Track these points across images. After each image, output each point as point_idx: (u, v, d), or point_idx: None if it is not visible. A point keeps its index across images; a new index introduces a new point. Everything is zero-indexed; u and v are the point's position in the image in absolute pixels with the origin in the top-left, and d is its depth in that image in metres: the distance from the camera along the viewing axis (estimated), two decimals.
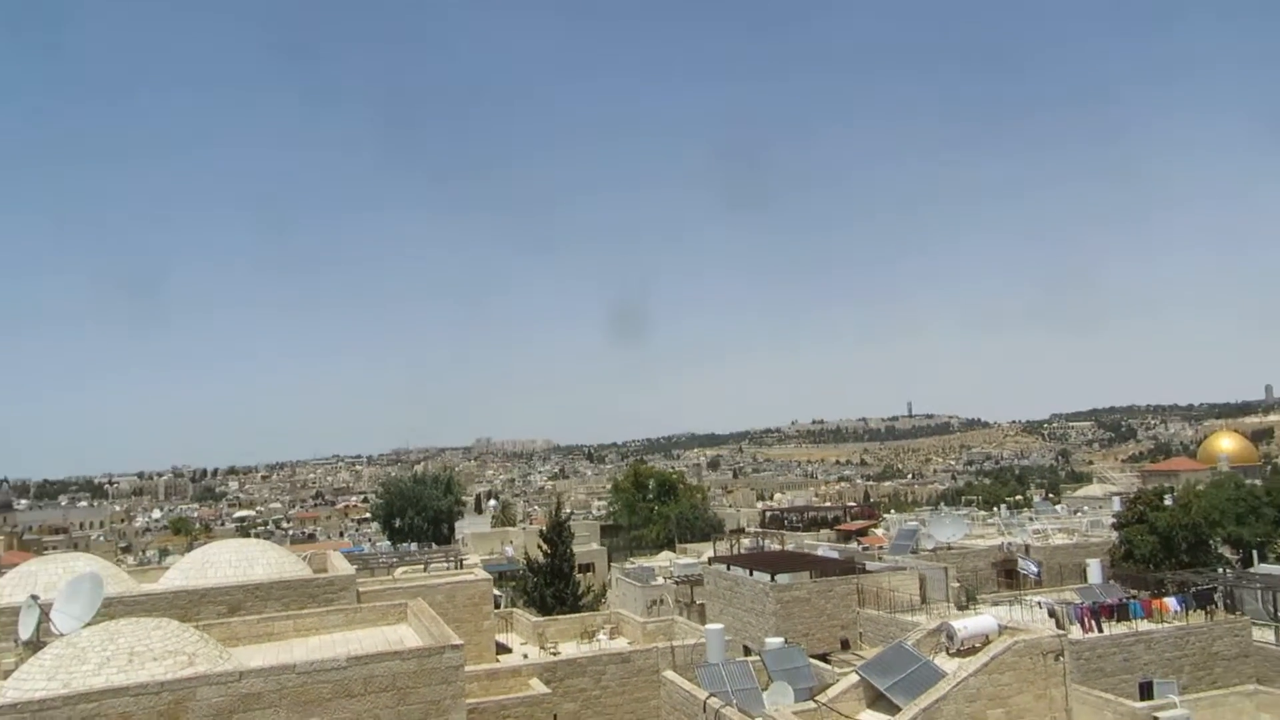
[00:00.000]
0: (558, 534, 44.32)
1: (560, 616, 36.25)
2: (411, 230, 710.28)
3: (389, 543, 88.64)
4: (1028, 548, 54.14)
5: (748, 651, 36.20)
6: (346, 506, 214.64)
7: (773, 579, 39.96)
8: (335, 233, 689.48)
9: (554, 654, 30.66)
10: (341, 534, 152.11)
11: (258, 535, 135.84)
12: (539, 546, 45.13)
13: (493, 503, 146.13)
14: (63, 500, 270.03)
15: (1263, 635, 35.08)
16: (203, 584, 26.69)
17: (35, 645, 19.33)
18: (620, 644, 32.65)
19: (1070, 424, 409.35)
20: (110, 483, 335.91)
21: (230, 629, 20.13)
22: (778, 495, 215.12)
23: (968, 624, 22.29)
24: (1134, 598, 36.06)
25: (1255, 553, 46.31)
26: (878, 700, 21.68)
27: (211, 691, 15.37)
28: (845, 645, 36.51)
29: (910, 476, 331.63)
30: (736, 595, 42.63)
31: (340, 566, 31.44)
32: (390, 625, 21.99)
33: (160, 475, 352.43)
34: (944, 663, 21.72)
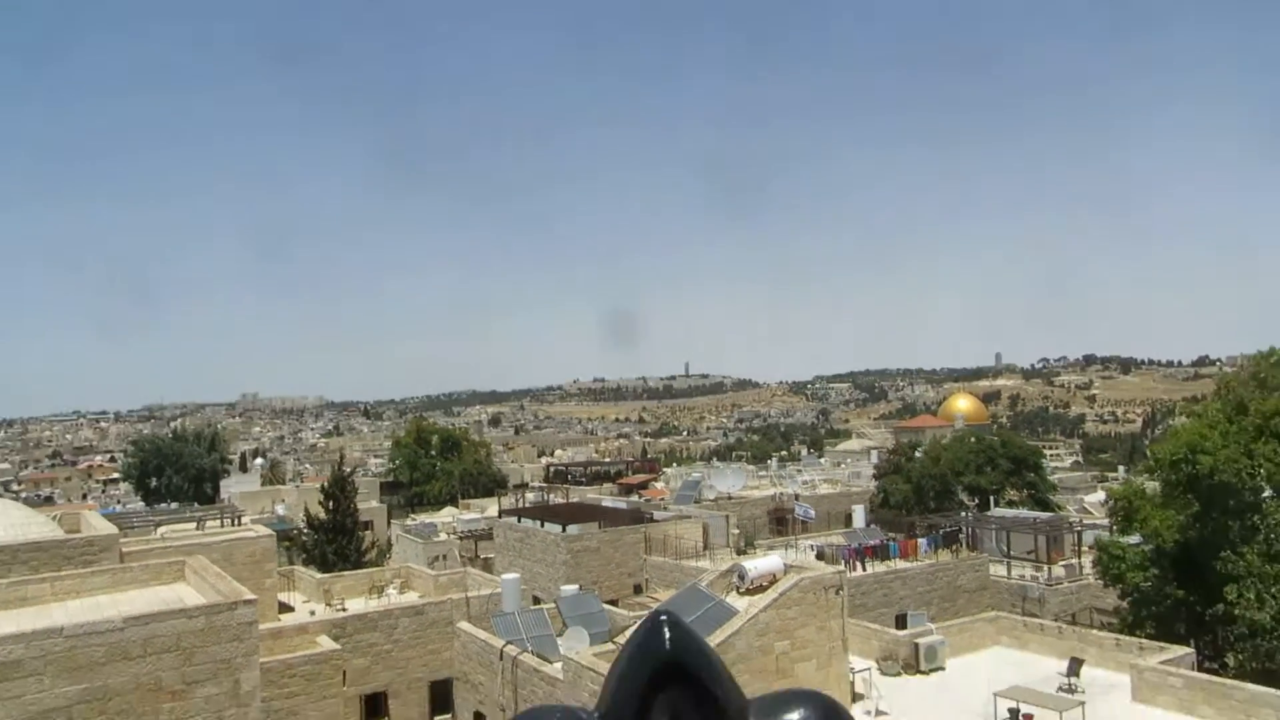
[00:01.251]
0: (340, 489, 42.59)
1: (346, 573, 34.97)
2: None
3: (143, 504, 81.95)
4: (797, 496, 57.91)
5: (537, 601, 36.54)
6: (90, 466, 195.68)
7: (564, 530, 40.44)
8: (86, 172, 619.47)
9: (341, 610, 29.61)
10: (85, 496, 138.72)
11: None
12: (320, 502, 43.18)
13: (259, 461, 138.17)
14: None
15: (997, 570, 39.49)
16: None
17: None
18: (410, 598, 31.98)
19: (830, 385, 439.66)
20: None
21: None
22: (559, 451, 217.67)
23: (757, 564, 23.50)
24: (892, 539, 39.55)
25: (992, 499, 51.84)
26: None
27: None
28: (638, 590, 37.62)
29: (685, 434, 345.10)
30: (527, 547, 42.81)
31: (99, 526, 28.68)
32: (166, 585, 20.29)
33: None
34: (735, 601, 22.82)
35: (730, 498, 53.98)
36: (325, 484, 45.78)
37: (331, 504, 41.83)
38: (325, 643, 25.26)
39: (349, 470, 45.44)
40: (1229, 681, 20.26)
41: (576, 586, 30.50)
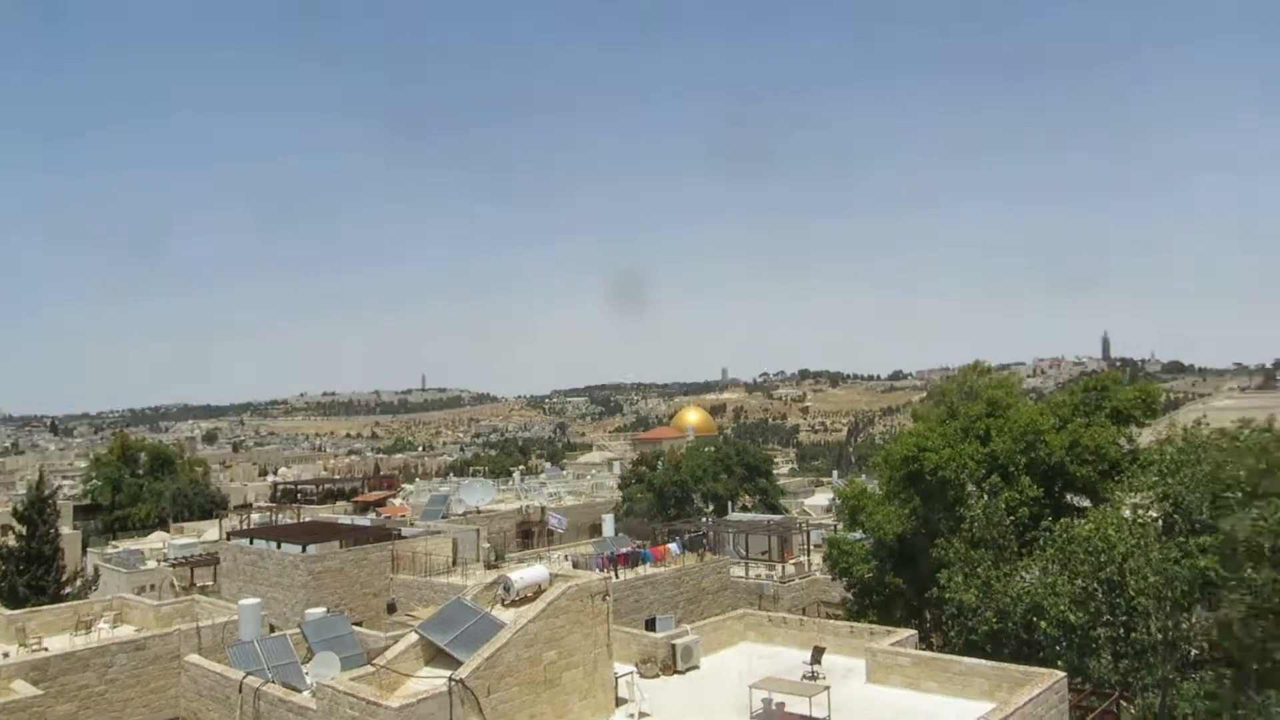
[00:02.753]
0: (39, 512, 37.27)
1: (44, 608, 30.60)
2: None
3: None
4: (543, 509, 58.13)
5: (273, 629, 33.91)
6: None
7: (304, 550, 37.94)
8: None
9: (40, 650, 25.87)
10: None
11: None
12: (10, 529, 37.58)
13: None
14: None
15: (736, 571, 41.72)
16: None
17: None
18: (126, 631, 28.59)
19: (568, 399, 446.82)
20: None
21: None
22: (283, 469, 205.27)
23: (523, 574, 23.18)
24: (641, 547, 40.67)
25: (730, 504, 54.80)
26: (437, 657, 21.68)
27: None
28: (392, 609, 36.01)
29: (421, 449, 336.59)
30: (260, 570, 39.70)
31: None
32: None
33: None
34: (501, 614, 22.38)
35: (479, 512, 53.19)
36: (18, 506, 39.91)
37: (26, 529, 36.49)
38: (22, 688, 21.96)
39: (49, 490, 39.89)
40: (947, 656, 22.58)
41: (323, 609, 28.62)
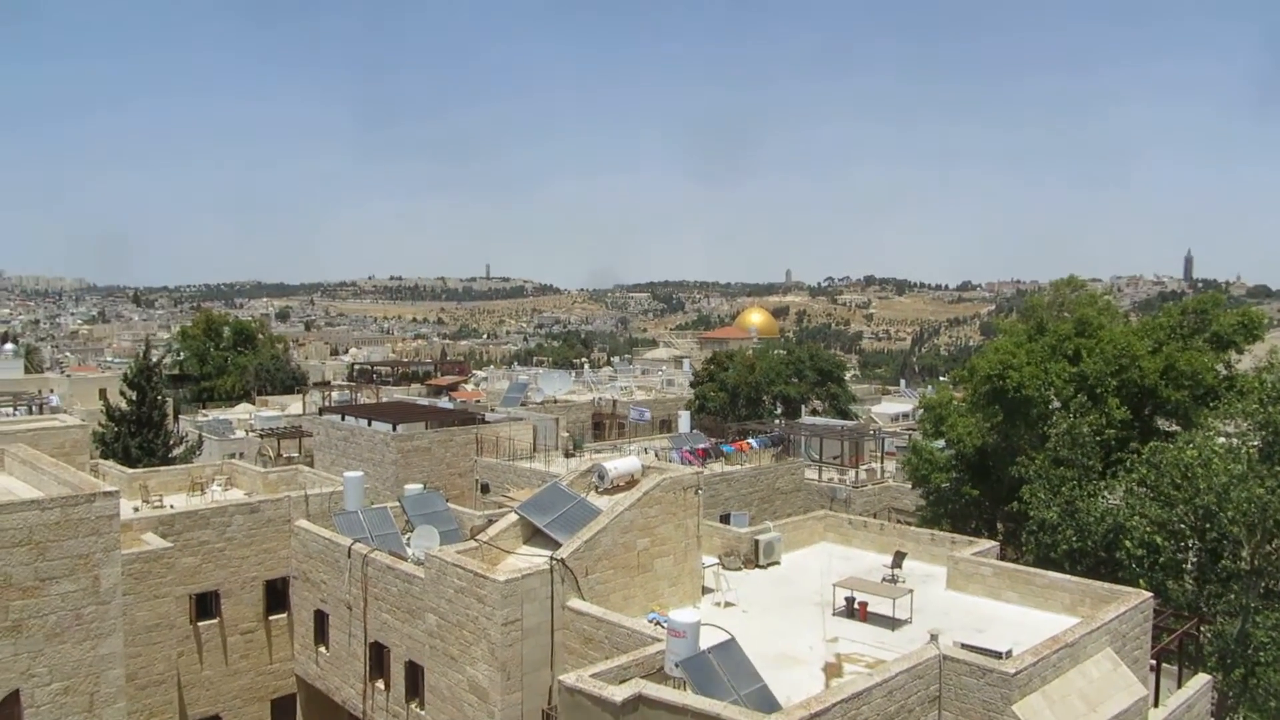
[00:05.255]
0: (146, 379, 39.26)
1: (161, 468, 32.61)
2: None
3: None
4: (614, 401, 59.25)
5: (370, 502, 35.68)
6: None
7: (394, 429, 39.51)
8: None
9: (157, 507, 27.72)
10: None
11: None
12: (121, 393, 39.71)
13: (9, 346, 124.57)
14: None
15: (809, 474, 42.41)
16: None
17: None
18: (236, 495, 30.40)
19: (630, 294, 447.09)
20: None
21: None
22: (353, 350, 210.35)
23: (616, 464, 24.02)
24: (717, 444, 41.48)
25: (801, 407, 55.24)
26: (534, 537, 22.79)
27: None
28: (485, 489, 37.53)
29: (486, 336, 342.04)
30: (352, 446, 41.52)
31: None
32: None
33: None
34: (595, 500, 23.33)
35: (555, 401, 54.45)
36: (128, 372, 42.03)
37: (136, 395, 38.54)
38: (154, 540, 23.66)
39: (155, 360, 41.87)
40: (1030, 569, 23.00)
41: (421, 486, 30.00)
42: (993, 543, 25.34)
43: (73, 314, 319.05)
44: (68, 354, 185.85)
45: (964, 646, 18.22)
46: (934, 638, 17.38)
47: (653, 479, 22.65)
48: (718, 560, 25.19)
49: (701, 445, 39.26)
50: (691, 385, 61.41)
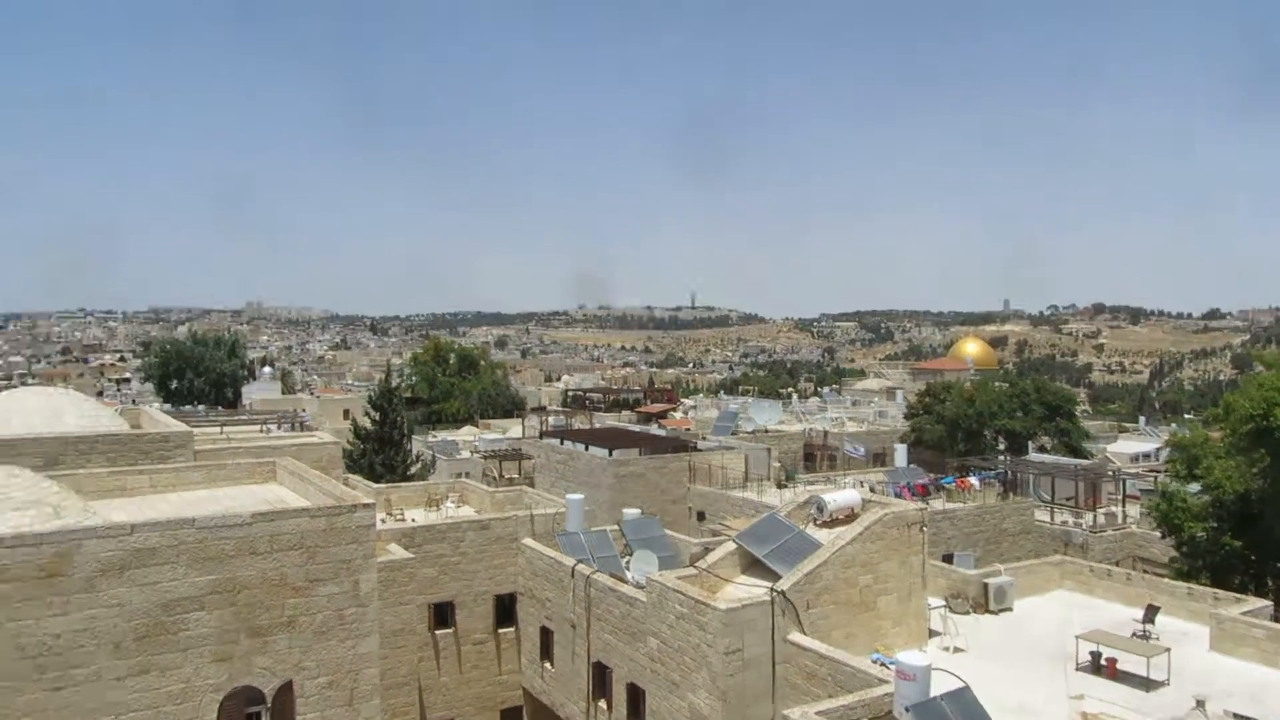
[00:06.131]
0: (387, 401, 42.61)
1: (401, 484, 35.12)
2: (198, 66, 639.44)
3: (169, 405, 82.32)
4: (825, 433, 58.08)
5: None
6: (102, 365, 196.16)
7: (610, 454, 40.58)
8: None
9: (401, 520, 29.77)
10: (100, 394, 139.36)
11: None
12: (365, 413, 43.22)
13: (267, 370, 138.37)
14: None
15: (1040, 515, 39.71)
16: (10, 434, 23.50)
17: None
18: (467, 512, 32.17)
19: (836, 324, 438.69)
20: None
21: (77, 481, 17.82)
22: (565, 377, 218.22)
23: (836, 497, 23.50)
24: (935, 480, 39.70)
25: (1027, 444, 51.96)
26: (751, 567, 22.61)
27: (99, 545, 13.58)
28: (701, 517, 37.86)
29: (691, 365, 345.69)
30: (570, 469, 43.00)
31: (165, 422, 28.66)
32: (260, 484, 20.30)
33: None
34: (813, 533, 22.90)
35: (766, 431, 54.13)
36: (372, 395, 45.73)
37: (378, 415, 41.84)
38: (397, 551, 25.43)
39: (395, 384, 45.27)
40: None
41: (639, 510, 30.63)
42: (1264, 602, 22.70)
43: (319, 341, 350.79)
44: (315, 377, 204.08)
45: (1235, 716, 16.39)
46: (1200, 704, 15.76)
47: (874, 513, 21.97)
48: (944, 602, 24.02)
49: (920, 480, 37.71)
50: (905, 417, 59.28)
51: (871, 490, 35.90)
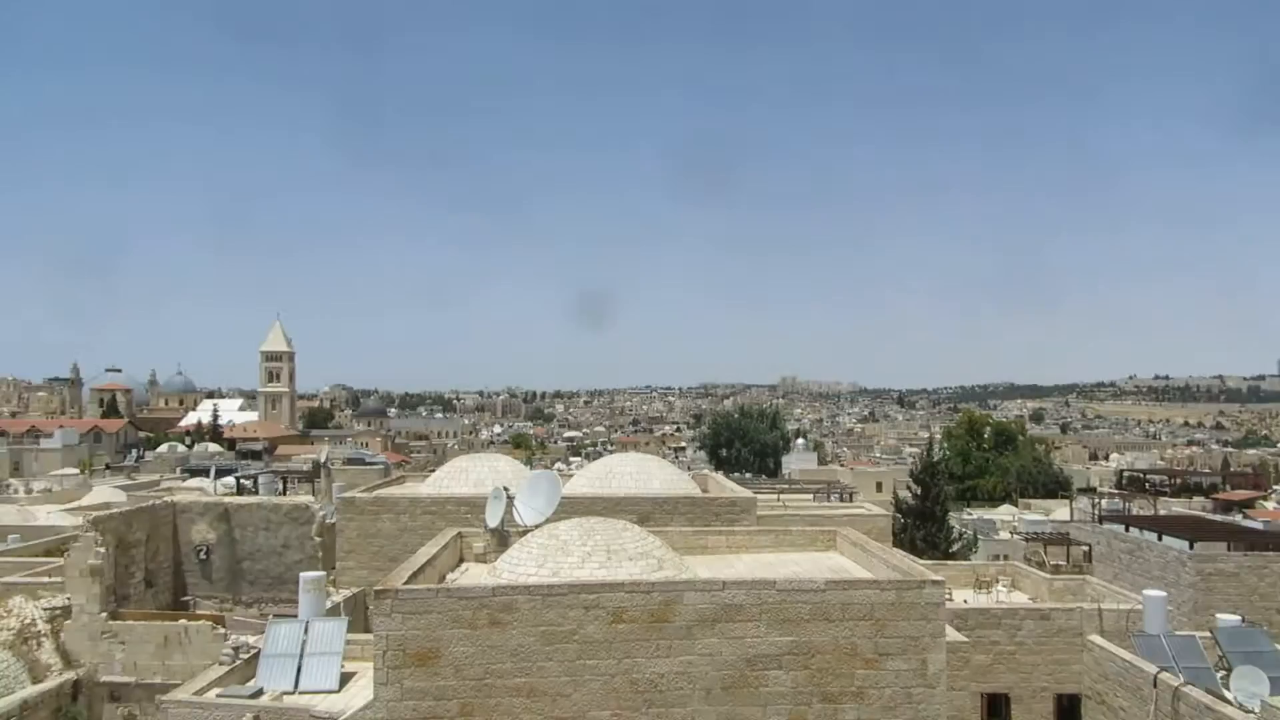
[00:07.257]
0: (930, 475, 41.99)
1: (946, 562, 34.14)
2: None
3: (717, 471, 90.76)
4: None
5: None
6: (664, 435, 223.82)
7: (1190, 546, 35.09)
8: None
9: (949, 600, 28.72)
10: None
11: (586, 456, 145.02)
12: (907, 487, 43.09)
13: (801, 441, 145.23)
14: (422, 411, 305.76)
15: None
16: (614, 492, 27.61)
17: (500, 533, 20.56)
18: (1019, 598, 30.04)
19: None
20: (457, 399, 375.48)
21: (669, 537, 20.22)
22: (1114, 455, 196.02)
23: None
24: None
25: None
26: None
27: (697, 597, 15.16)
28: None
29: (1279, 444, 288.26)
30: (1137, 561, 38.00)
31: (730, 488, 31.42)
32: (821, 552, 21.15)
33: (497, 395, 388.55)
34: None
35: None
36: (914, 469, 45.60)
37: (920, 490, 41.43)
38: (951, 634, 24.46)
39: (939, 457, 44.56)
40: None
41: (1238, 618, 25.94)
42: None
43: (848, 414, 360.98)
44: (844, 449, 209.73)
45: None
46: None
47: None
48: None
49: None
50: None
51: None
